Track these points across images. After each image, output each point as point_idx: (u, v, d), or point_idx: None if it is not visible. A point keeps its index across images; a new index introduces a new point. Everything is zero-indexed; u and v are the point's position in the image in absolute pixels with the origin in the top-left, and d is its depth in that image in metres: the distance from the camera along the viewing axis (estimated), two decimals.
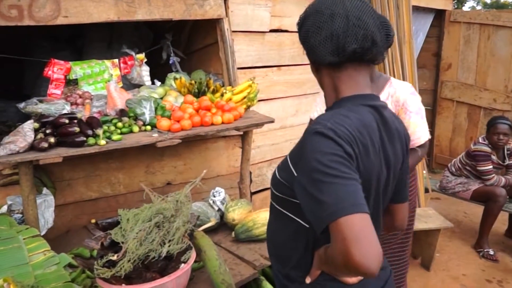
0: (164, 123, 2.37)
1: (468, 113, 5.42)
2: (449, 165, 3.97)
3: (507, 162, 3.64)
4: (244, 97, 2.83)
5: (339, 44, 0.98)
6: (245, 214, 2.35)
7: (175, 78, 3.03)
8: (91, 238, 2.07)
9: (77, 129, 2.08)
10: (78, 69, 2.86)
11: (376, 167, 1.00)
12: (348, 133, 0.92)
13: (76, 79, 2.87)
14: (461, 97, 5.43)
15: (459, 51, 5.39)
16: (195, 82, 2.89)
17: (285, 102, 3.59)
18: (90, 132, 2.10)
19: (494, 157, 3.60)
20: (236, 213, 2.34)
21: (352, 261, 0.80)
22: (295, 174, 0.96)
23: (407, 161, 1.19)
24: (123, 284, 1.53)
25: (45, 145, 1.96)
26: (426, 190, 3.87)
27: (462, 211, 4.43)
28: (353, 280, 0.97)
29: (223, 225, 2.44)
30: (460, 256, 3.52)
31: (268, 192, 3.38)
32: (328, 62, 1.02)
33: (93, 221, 2.49)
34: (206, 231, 2.16)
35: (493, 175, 3.53)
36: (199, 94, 2.85)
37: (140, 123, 2.42)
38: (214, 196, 2.49)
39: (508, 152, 3.62)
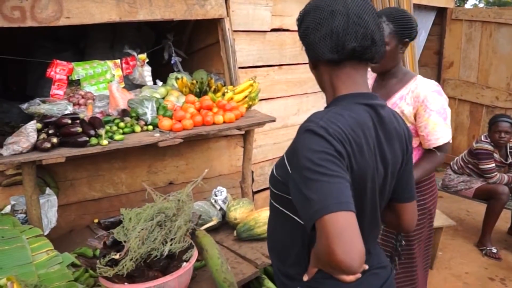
0: (166, 122, 2.38)
1: (470, 111, 5.40)
2: (451, 163, 3.96)
3: (509, 160, 3.62)
4: (246, 97, 2.84)
5: (338, 42, 0.98)
6: (246, 213, 2.36)
7: (176, 78, 3.04)
8: (94, 237, 2.08)
9: (79, 129, 2.09)
10: (81, 69, 2.87)
11: (371, 166, 1.00)
12: (341, 131, 0.93)
13: (79, 79, 2.89)
14: (463, 95, 5.41)
15: (461, 49, 5.37)
16: (197, 81, 2.90)
17: (286, 101, 3.59)
18: (92, 132, 2.12)
19: (496, 155, 3.59)
20: (238, 212, 2.35)
21: (334, 258, 0.80)
22: (290, 172, 0.97)
23: (410, 161, 1.18)
24: (126, 283, 1.54)
25: (48, 145, 1.97)
26: None
27: (464, 209, 4.42)
28: (350, 278, 0.98)
29: (225, 224, 2.45)
30: (462, 254, 3.51)
31: None
32: (327, 59, 1.02)
33: (96, 220, 2.50)
34: (208, 230, 2.17)
35: (496, 173, 3.52)
36: (200, 93, 2.86)
37: (142, 123, 2.43)
38: (216, 195, 2.50)
39: (511, 150, 3.61)
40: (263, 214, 2.26)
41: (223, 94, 2.81)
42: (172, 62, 3.51)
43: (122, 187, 2.70)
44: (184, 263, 1.67)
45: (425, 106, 1.76)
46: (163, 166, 2.85)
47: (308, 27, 1.03)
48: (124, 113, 2.47)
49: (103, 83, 2.97)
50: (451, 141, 1.84)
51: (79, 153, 2.04)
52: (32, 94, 3.30)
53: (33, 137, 1.99)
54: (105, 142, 2.10)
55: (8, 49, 2.64)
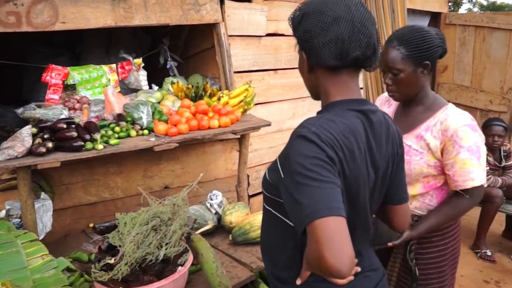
0: (161, 127, 2.39)
1: None
2: None
3: (503, 163, 3.66)
4: (241, 101, 2.86)
5: (343, 49, 0.98)
6: (242, 217, 2.37)
7: (172, 83, 3.05)
8: (89, 242, 2.08)
9: (75, 134, 2.09)
10: (76, 74, 2.88)
11: (362, 171, 1.01)
12: (332, 137, 0.93)
13: (74, 84, 2.89)
14: (458, 98, 5.45)
15: (455, 53, 5.42)
16: (192, 86, 2.91)
17: (282, 105, 3.61)
18: (88, 136, 2.12)
19: (490, 159, 3.62)
20: (233, 216, 2.36)
21: (324, 262, 0.81)
22: (282, 176, 0.98)
23: (402, 163, 1.20)
24: (121, 287, 1.55)
25: (43, 150, 1.97)
26: None
27: None
28: (342, 281, 0.99)
29: (220, 228, 2.45)
30: None
31: None
32: (329, 66, 1.01)
33: (91, 225, 2.50)
34: (204, 234, 2.17)
35: (490, 176, 3.55)
36: (196, 98, 2.87)
37: (138, 127, 2.43)
38: (212, 199, 2.50)
39: (505, 153, 3.64)
40: (259, 218, 2.27)
41: (219, 99, 2.82)
42: (167, 66, 3.53)
43: (118, 192, 2.70)
44: (179, 267, 1.68)
45: (454, 142, 1.50)
46: (158, 170, 2.85)
47: (309, 30, 1.00)
48: (119, 117, 2.48)
49: (98, 87, 2.98)
50: (485, 185, 1.55)
51: (74, 158, 2.04)
52: (28, 98, 3.30)
53: (28, 141, 1.99)
54: (100, 146, 2.10)
55: (3, 53, 2.65)
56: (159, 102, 2.85)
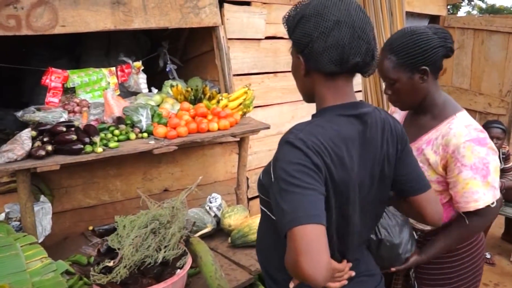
0: (160, 130, 2.39)
1: None
2: None
3: (502, 166, 3.66)
4: (240, 104, 2.86)
5: (343, 55, 0.95)
6: (241, 220, 2.37)
7: (171, 86, 3.06)
8: (88, 245, 2.08)
9: (74, 137, 2.09)
10: (76, 77, 2.88)
11: (353, 176, 1.00)
12: (320, 143, 0.93)
13: (74, 87, 2.90)
14: (457, 101, 5.43)
15: (454, 56, 5.43)
16: (192, 89, 2.92)
17: (281, 108, 3.62)
18: (87, 139, 2.12)
19: None
20: (233, 219, 2.36)
21: (300, 270, 0.81)
22: (273, 180, 0.97)
23: (407, 155, 1.15)
24: None
25: (43, 153, 1.98)
26: None
27: None
28: (336, 285, 0.99)
29: (219, 231, 2.45)
30: None
31: None
32: (328, 71, 0.99)
33: (90, 228, 2.50)
34: (203, 237, 2.18)
35: None
36: (195, 101, 2.88)
37: (137, 130, 2.44)
38: (211, 202, 2.51)
39: (503, 156, 3.65)
40: (258, 221, 2.26)
41: (218, 102, 2.83)
42: (167, 69, 3.53)
43: (117, 194, 2.71)
44: (178, 270, 1.68)
45: (455, 159, 1.34)
46: (158, 173, 2.85)
47: (308, 34, 0.97)
48: (119, 120, 2.48)
49: (98, 90, 2.98)
50: (495, 204, 1.36)
51: (73, 161, 2.04)
52: (27, 101, 3.31)
53: (27, 144, 2.00)
54: (100, 149, 2.11)
55: (4, 56, 2.66)
56: (158, 105, 2.85)
